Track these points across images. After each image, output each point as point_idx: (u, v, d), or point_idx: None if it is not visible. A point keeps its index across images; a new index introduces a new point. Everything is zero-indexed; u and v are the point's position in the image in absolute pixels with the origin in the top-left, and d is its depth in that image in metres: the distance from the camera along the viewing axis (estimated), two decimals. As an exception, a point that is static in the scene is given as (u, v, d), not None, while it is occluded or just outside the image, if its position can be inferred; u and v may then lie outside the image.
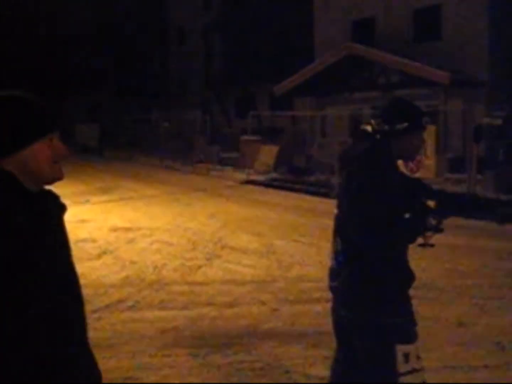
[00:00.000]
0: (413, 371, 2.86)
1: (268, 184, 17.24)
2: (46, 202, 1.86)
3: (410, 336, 2.90)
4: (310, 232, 10.50)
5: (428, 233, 2.89)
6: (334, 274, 3.06)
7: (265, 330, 5.82)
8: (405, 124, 2.94)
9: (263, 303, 6.60)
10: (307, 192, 15.72)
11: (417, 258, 6.28)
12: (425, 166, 14.39)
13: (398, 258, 2.96)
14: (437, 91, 18.76)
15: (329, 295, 6.93)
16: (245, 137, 20.56)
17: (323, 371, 4.83)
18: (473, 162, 13.44)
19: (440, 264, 8.14)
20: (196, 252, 9.01)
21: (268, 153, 19.06)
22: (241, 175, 18.99)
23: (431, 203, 2.96)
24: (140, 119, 27.39)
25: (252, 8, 29.76)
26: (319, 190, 15.55)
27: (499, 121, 13.28)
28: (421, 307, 5.46)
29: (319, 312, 6.25)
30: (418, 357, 2.88)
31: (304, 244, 9.54)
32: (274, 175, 18.69)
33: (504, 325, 5.86)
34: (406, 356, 2.84)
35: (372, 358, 2.94)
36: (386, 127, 2.94)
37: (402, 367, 2.84)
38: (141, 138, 28.16)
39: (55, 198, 1.94)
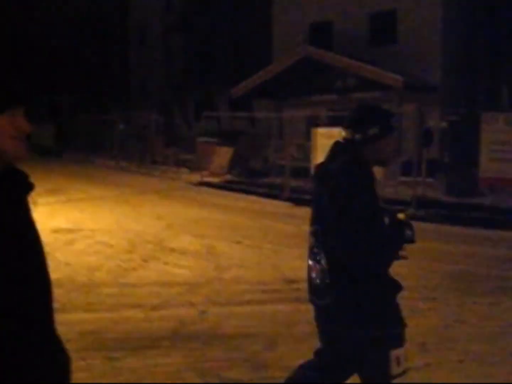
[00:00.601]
0: (403, 373, 2.96)
1: (221, 186, 17.12)
2: (10, 181, 1.72)
3: (401, 340, 2.95)
4: (254, 234, 10.40)
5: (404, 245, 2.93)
6: (321, 292, 3.02)
7: (188, 332, 5.68)
8: (377, 129, 2.93)
9: (192, 305, 6.46)
10: (260, 194, 15.62)
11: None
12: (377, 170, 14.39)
13: (384, 271, 2.97)
14: (391, 94, 18.86)
15: (260, 297, 6.86)
16: (201, 139, 20.39)
17: (239, 374, 4.74)
18: (423, 165, 13.47)
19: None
20: (134, 254, 8.83)
21: (223, 155, 18.93)
22: (196, 177, 18.82)
23: (401, 215, 2.99)
24: (98, 120, 26.97)
25: (213, 9, 29.66)
26: (271, 192, 15.46)
27: (444, 125, 13.38)
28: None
29: (248, 315, 6.17)
30: (406, 358, 2.99)
31: (246, 246, 9.43)
32: (228, 177, 18.57)
33: (432, 326, 5.82)
34: (398, 360, 2.91)
35: (367, 366, 2.99)
36: (358, 136, 2.93)
37: (395, 370, 2.91)
38: (99, 139, 27.76)
39: (23, 176, 1.78)
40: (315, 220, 3.05)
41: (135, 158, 23.80)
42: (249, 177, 18.43)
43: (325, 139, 13.92)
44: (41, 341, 1.77)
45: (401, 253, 2.95)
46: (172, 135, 28.67)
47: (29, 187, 1.79)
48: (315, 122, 20.87)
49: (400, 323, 2.99)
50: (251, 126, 26.38)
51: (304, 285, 7.23)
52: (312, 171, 15.49)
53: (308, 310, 6.21)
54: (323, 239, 2.97)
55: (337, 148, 3.04)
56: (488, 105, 19.10)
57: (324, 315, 3.10)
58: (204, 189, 17.11)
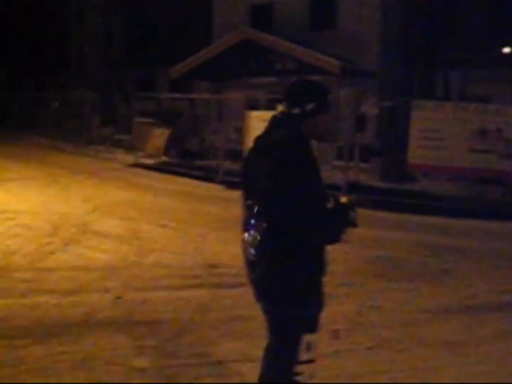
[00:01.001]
0: (310, 361, 3.13)
1: (156, 168, 16.87)
2: None
3: (316, 325, 3.05)
4: (182, 218, 10.26)
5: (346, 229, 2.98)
6: (252, 265, 3.07)
7: (100, 319, 5.53)
8: (314, 104, 2.98)
9: (107, 290, 6.30)
10: (194, 177, 15.46)
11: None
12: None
13: (314, 251, 3.02)
14: (329, 79, 18.90)
15: (178, 282, 6.75)
16: (137, 119, 20.01)
17: (146, 362, 4.64)
18: (355, 150, 13.58)
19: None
20: (55, 237, 8.55)
21: (159, 136, 18.64)
22: (131, 158, 18.49)
23: (344, 199, 3.02)
24: (32, 98, 26.14)
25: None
26: (206, 175, 15.32)
27: (375, 111, 13.52)
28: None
29: (162, 300, 6.05)
30: (316, 347, 3.15)
31: (171, 230, 9.29)
32: (164, 158, 18.31)
33: (345, 312, 5.83)
34: (309, 346, 3.05)
35: (280, 345, 3.07)
36: (296, 110, 2.97)
37: (304, 356, 3.05)
38: (35, 118, 26.95)
39: None
40: (250, 194, 3.05)
41: (71, 138, 23.22)
42: (185, 159, 18.22)
43: (259, 122, 13.85)
44: None
45: (344, 236, 2.98)
46: (111, 115, 28.09)
47: None
48: (254, 104, 20.84)
49: (319, 307, 3.07)
50: (191, 108, 26.09)
51: (224, 270, 7.21)
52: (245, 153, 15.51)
53: (224, 296, 6.20)
54: (259, 210, 2.97)
55: (275, 122, 3.06)
56: (424, 93, 19.44)
57: (255, 289, 3.13)
58: (138, 170, 16.83)
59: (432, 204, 12.13)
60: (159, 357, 4.72)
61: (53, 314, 5.64)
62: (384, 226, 10.07)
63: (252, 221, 3.02)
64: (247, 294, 6.24)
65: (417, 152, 12.05)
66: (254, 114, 14.82)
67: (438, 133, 11.78)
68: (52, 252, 7.74)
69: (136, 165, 17.59)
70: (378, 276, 7.06)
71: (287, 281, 2.94)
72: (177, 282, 6.66)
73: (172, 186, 14.17)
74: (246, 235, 3.07)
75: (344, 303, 6.12)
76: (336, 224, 2.95)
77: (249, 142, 14.81)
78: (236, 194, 12.14)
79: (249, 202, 3.06)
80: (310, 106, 2.98)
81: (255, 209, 3.00)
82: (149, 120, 20.03)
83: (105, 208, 10.87)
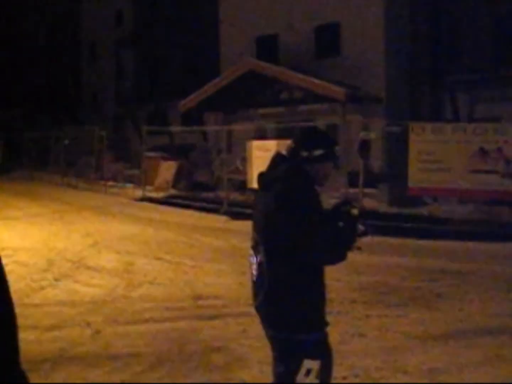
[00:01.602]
0: None
1: (163, 202, 16.86)
2: None
3: (319, 352, 2.98)
4: (179, 250, 10.20)
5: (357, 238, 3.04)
6: (255, 292, 3.15)
7: (75, 354, 5.44)
8: (321, 152, 3.13)
9: (88, 324, 6.22)
10: (199, 208, 15.41)
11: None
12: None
13: (315, 274, 3.05)
14: (335, 107, 18.90)
15: (162, 315, 6.65)
16: (147, 154, 20.11)
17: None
18: (360, 176, 13.42)
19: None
20: (48, 273, 8.53)
21: (167, 170, 18.71)
22: (140, 193, 18.52)
23: (354, 211, 3.10)
24: (45, 136, 26.42)
25: (163, 23, 29.49)
26: (211, 207, 15.27)
27: (372, 136, 13.40)
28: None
29: (142, 333, 5.96)
30: (317, 376, 2.95)
31: (166, 262, 9.21)
32: (173, 192, 18.32)
33: (328, 341, 5.66)
34: (308, 372, 2.92)
35: (279, 368, 3.04)
36: (305, 153, 3.11)
37: (301, 380, 2.93)
38: (48, 155, 27.24)
39: None
40: (257, 228, 3.13)
41: (83, 175, 23.42)
42: (194, 191, 18.24)
43: (260, 152, 13.85)
44: None
45: (355, 245, 3.04)
46: (123, 150, 28.35)
47: None
48: (263, 134, 20.87)
49: (323, 332, 3.04)
50: (203, 140, 26.21)
51: (211, 302, 7.09)
52: (249, 183, 15.60)
53: (205, 328, 6.08)
54: (263, 240, 3.04)
55: (279, 158, 3.19)
56: (432, 116, 19.29)
57: (259, 316, 3.18)
58: (146, 204, 16.83)
59: (437, 227, 11.91)
60: (127, 392, 4.62)
61: (30, 350, 5.54)
62: (383, 252, 9.87)
63: (256, 249, 3.12)
64: (229, 325, 6.19)
65: (417, 176, 11.86)
66: (255, 143, 14.82)
67: (438, 155, 11.59)
68: (42, 288, 7.71)
69: (143, 199, 17.61)
70: (367, 303, 6.88)
71: (287, 307, 2.97)
72: (161, 314, 6.56)
73: (176, 218, 14.12)
74: (253, 261, 3.16)
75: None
76: (346, 237, 3.03)
77: (253, 172, 14.85)
78: (239, 225, 12.19)
79: (255, 235, 3.17)
80: (317, 153, 3.13)
81: (258, 239, 3.11)
82: (158, 154, 20.12)
83: (104, 243, 10.85)
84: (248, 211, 14.06)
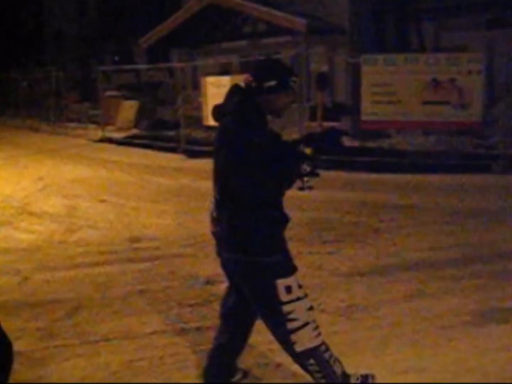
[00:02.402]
0: (297, 299, 3.09)
1: (122, 142, 16.61)
2: None
3: (289, 270, 3.11)
4: (128, 191, 10.07)
5: (306, 178, 3.08)
6: (214, 220, 3.23)
7: (-1, 302, 5.38)
8: (274, 83, 3.11)
9: (18, 272, 6.14)
10: (159, 148, 15.19)
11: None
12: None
13: (273, 202, 3.11)
14: (299, 39, 18.47)
15: (94, 259, 6.57)
16: (107, 93, 19.68)
17: (23, 345, 4.47)
18: (319, 110, 13.24)
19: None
20: (-11, 220, 8.40)
21: (129, 109, 18.35)
22: (101, 133, 18.21)
23: (307, 150, 3.15)
24: (6, 78, 25.67)
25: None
26: (173, 146, 15.05)
27: (325, 68, 13.14)
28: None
29: (69, 279, 5.88)
30: (299, 286, 3.12)
31: (110, 205, 9.08)
32: (135, 131, 18.04)
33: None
34: (288, 288, 3.06)
35: (256, 295, 3.15)
36: (255, 84, 3.12)
37: (285, 297, 3.06)
38: (7, 99, 26.55)
39: None
40: (215, 157, 3.17)
41: (47, 117, 22.96)
42: (157, 130, 17.95)
43: (214, 88, 13.57)
44: None
45: (307, 184, 3.09)
46: (89, 90, 27.75)
47: None
48: (228, 70, 20.44)
49: (286, 253, 3.15)
50: (170, 77, 25.68)
51: (146, 244, 7.01)
52: (205, 120, 15.37)
53: (134, 271, 6.03)
54: (216, 174, 3.15)
55: (234, 91, 3.21)
56: (398, 46, 18.93)
57: (218, 243, 3.28)
58: (104, 145, 16.57)
59: (393, 160, 11.84)
60: (40, 340, 4.57)
61: (-47, 300, 5.50)
62: (332, 187, 9.77)
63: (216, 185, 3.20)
64: (158, 267, 6.13)
65: (369, 109, 11.69)
66: (209, 79, 14.49)
67: (390, 88, 11.40)
68: (-22, 235, 7.59)
69: (103, 140, 17.33)
70: (302, 240, 6.84)
71: (249, 233, 3.06)
72: (92, 259, 6.49)
73: (132, 159, 13.92)
74: (213, 199, 3.24)
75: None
76: (289, 174, 3.06)
77: (208, 109, 14.59)
78: (194, 164, 12.04)
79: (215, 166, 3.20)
80: (270, 83, 3.11)
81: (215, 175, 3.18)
82: (118, 93, 19.68)
83: (53, 187, 10.68)
84: (206, 148, 13.98)
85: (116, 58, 30.59)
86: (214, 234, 3.28)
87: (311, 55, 17.66)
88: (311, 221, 7.69)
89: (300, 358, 3.21)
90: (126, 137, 17.23)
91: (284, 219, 3.16)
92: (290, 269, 3.12)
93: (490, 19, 17.74)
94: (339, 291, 5.33)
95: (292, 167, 3.07)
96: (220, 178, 3.13)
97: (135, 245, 6.91)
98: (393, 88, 11.37)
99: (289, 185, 3.10)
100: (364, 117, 11.89)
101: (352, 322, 4.68)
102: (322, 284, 5.51)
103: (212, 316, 4.82)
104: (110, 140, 17.15)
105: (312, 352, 3.18)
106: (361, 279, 5.60)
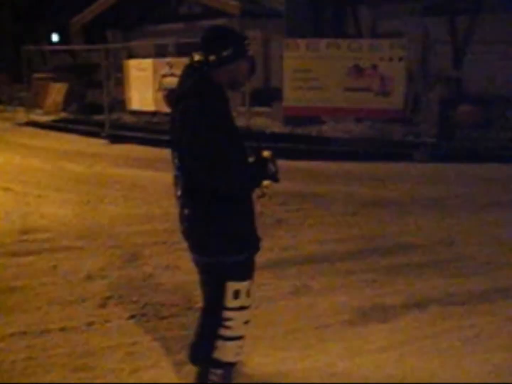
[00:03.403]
0: (241, 308, 2.96)
1: (48, 126, 16.00)
2: None
3: (245, 274, 2.98)
4: (35, 179, 9.61)
5: (265, 182, 2.89)
6: (180, 216, 3.04)
7: None
8: (230, 51, 2.86)
9: None
10: (84, 132, 14.68)
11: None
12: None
13: (234, 200, 2.92)
14: (234, 22, 18.13)
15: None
16: (36, 75, 18.97)
17: None
18: (246, 94, 12.92)
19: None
20: None
21: (57, 92, 17.74)
22: (29, 117, 17.53)
23: (266, 153, 2.93)
24: None
25: None
26: (98, 131, 14.56)
27: (250, 52, 12.80)
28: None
29: None
30: (248, 294, 2.98)
31: (13, 193, 8.59)
32: (63, 115, 17.44)
33: (137, 275, 5.37)
34: (237, 293, 2.93)
35: (207, 293, 3.06)
36: (212, 57, 2.85)
37: (230, 303, 2.94)
38: None
39: None
40: (174, 146, 2.95)
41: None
42: (87, 114, 17.38)
43: (137, 71, 13.16)
44: None
45: (263, 190, 2.92)
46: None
47: None
48: (163, 53, 19.96)
49: (245, 253, 2.97)
50: (106, 59, 24.98)
51: (36, 236, 6.62)
52: (127, 104, 14.90)
53: (12, 265, 5.66)
54: (179, 164, 2.92)
55: (188, 71, 2.96)
56: (335, 32, 18.77)
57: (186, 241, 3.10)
58: (28, 129, 15.95)
59: (317, 148, 11.67)
60: None
61: None
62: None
63: (176, 175, 2.99)
64: (41, 262, 5.78)
65: (291, 95, 11.47)
66: (132, 62, 14.07)
67: (312, 73, 11.20)
68: None
69: (28, 123, 16.69)
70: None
71: (206, 232, 2.92)
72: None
73: (52, 144, 13.38)
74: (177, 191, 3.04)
75: (143, 264, 5.66)
76: (252, 176, 2.90)
77: (130, 92, 14.15)
78: (115, 149, 11.64)
79: (173, 155, 2.99)
80: (226, 53, 2.86)
81: (176, 163, 2.96)
82: (47, 75, 18.99)
83: (-39, 173, 10.14)
84: (131, 134, 13.60)
85: (55, 38, 29.64)
86: (182, 232, 3.10)
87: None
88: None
89: (209, 362, 3.09)
90: (53, 121, 16.59)
91: (250, 214, 3.01)
92: (246, 274, 3.00)
93: (427, 6, 17.75)
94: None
95: (260, 167, 2.89)
96: (184, 171, 2.90)
97: (25, 237, 6.53)
98: (315, 74, 11.17)
99: (253, 186, 2.91)
100: (286, 103, 11.66)
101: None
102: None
103: (81, 314, 4.55)
104: (35, 124, 16.51)
105: (226, 366, 3.11)
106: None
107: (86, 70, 23.07)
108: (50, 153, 12.11)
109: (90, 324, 4.40)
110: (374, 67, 10.85)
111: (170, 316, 4.52)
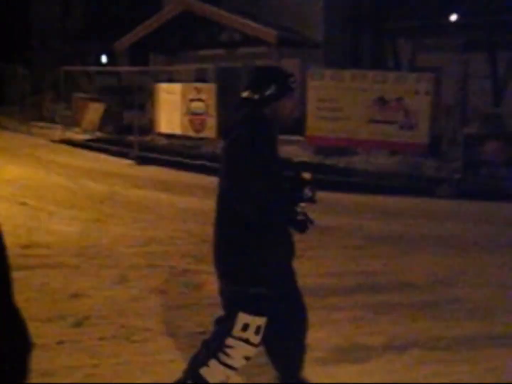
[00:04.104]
0: (245, 341, 2.94)
1: (81, 144, 16.30)
2: None
3: (260, 309, 2.95)
4: (54, 195, 9.77)
5: (302, 204, 3.01)
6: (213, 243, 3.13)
7: None
8: (273, 90, 3.00)
9: None
10: (116, 153, 14.88)
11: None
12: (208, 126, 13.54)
13: (264, 230, 2.97)
14: (273, 50, 18.26)
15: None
16: (77, 95, 19.45)
17: None
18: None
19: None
20: None
21: (95, 111, 18.11)
22: (67, 134, 17.92)
23: (306, 175, 3.01)
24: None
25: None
26: (128, 151, 14.76)
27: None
28: None
29: None
30: (257, 332, 2.94)
31: (28, 208, 8.77)
32: (99, 134, 17.77)
33: (117, 299, 5.35)
34: (246, 327, 2.92)
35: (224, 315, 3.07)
36: (257, 96, 3.00)
37: (236, 332, 2.94)
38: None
39: None
40: (220, 174, 3.07)
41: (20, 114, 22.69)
42: (121, 134, 17.65)
43: (166, 94, 13.33)
44: None
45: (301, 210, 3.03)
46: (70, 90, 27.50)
47: None
48: (204, 77, 20.21)
49: (266, 288, 2.96)
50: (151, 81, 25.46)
51: (36, 251, 6.69)
52: (156, 127, 15.02)
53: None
54: (219, 191, 3.03)
55: (241, 102, 3.09)
56: (373, 63, 18.73)
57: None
58: (62, 146, 16.30)
59: (343, 180, 11.55)
60: None
61: None
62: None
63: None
64: (33, 278, 5.82)
65: (315, 124, 11.41)
66: (163, 86, 14.26)
67: (336, 103, 11.13)
68: None
69: (64, 141, 17.04)
70: (195, 257, 6.54)
71: (230, 260, 2.98)
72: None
73: (80, 162, 13.61)
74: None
75: (131, 287, 5.64)
76: (289, 199, 3.01)
77: (159, 114, 14.31)
78: (140, 170, 11.74)
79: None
80: (269, 92, 3.01)
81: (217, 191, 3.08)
82: (87, 95, 19.43)
83: (-12, 187, 10.38)
84: (159, 156, 13.72)
85: (104, 60, 30.37)
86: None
87: (283, 67, 17.43)
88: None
89: (196, 378, 3.07)
90: (87, 140, 16.92)
91: (281, 246, 3.10)
92: (262, 309, 2.97)
93: (468, 40, 17.56)
94: (200, 314, 5.01)
95: (296, 191, 3.00)
96: (222, 198, 3.00)
97: (25, 251, 6.61)
98: (339, 104, 11.11)
99: (286, 209, 3.02)
100: (308, 132, 11.62)
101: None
102: (190, 305, 5.21)
103: (54, 332, 4.54)
104: (69, 142, 16.85)
105: None
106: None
107: (127, 91, 23.57)
108: (75, 171, 12.32)
109: (60, 342, 4.39)
110: (399, 99, 10.73)
111: (141, 341, 4.47)
